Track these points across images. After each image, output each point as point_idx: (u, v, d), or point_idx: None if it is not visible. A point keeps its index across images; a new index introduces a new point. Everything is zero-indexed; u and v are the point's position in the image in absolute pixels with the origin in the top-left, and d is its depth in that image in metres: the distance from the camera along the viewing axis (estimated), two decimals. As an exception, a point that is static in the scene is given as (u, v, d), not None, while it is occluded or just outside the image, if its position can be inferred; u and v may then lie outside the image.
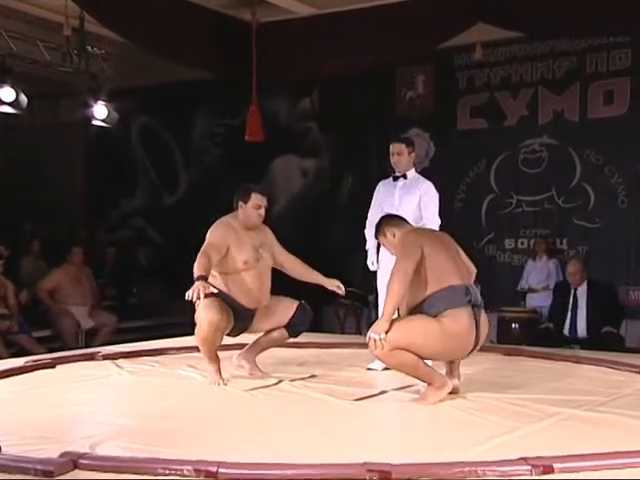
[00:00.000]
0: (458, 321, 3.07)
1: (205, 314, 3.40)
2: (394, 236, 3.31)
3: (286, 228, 8.65)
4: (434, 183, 4.24)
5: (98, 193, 9.35)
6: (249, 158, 8.05)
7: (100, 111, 7.07)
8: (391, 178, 4.27)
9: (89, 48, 6.51)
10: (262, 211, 3.66)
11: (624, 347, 5.52)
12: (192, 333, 4.35)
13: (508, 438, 2.57)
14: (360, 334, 7.29)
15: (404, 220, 3.42)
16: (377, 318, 7.87)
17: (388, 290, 3.10)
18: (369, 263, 4.31)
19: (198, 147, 9.10)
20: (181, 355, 4.47)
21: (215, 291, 3.42)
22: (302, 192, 8.55)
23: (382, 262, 4.24)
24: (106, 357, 4.30)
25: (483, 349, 4.48)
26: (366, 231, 4.31)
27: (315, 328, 6.57)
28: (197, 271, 3.37)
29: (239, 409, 3.11)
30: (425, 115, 7.68)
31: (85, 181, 9.62)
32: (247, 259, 3.57)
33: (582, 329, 5.55)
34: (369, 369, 4.01)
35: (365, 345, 4.93)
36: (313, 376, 3.76)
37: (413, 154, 4.20)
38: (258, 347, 3.85)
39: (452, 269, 3.16)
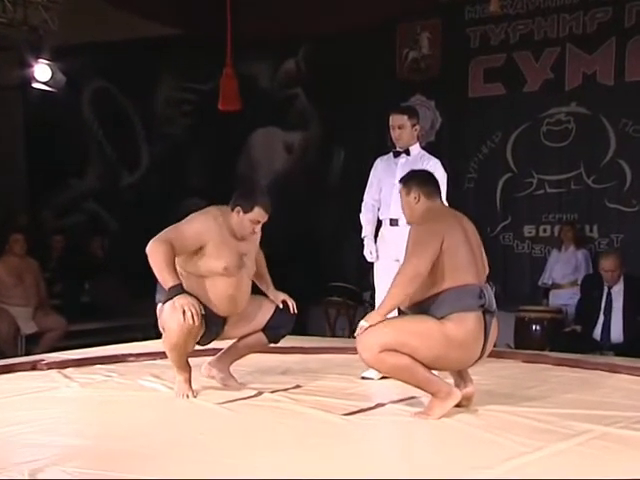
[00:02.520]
0: (464, 327, 3.07)
1: (176, 316, 3.37)
2: (417, 200, 3.30)
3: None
4: (441, 160, 4.23)
5: (42, 170, 9.28)
6: (223, 130, 8.02)
7: (42, 72, 6.97)
8: (391, 154, 4.27)
9: (26, -6, 6.40)
10: (258, 228, 3.65)
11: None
12: (155, 337, 4.36)
13: (527, 460, 2.56)
14: (353, 337, 7.29)
15: (437, 189, 3.40)
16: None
17: (394, 284, 3.09)
18: (366, 253, 4.29)
19: (162, 117, 9.04)
20: (142, 363, 4.45)
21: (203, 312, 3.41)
22: (286, 170, 8.53)
23: (381, 252, 4.23)
24: (51, 366, 4.26)
25: (499, 355, 4.51)
26: (362, 215, 4.31)
27: (300, 330, 6.58)
28: (169, 278, 3.35)
29: (211, 426, 3.09)
30: (430, 80, 7.66)
31: (25, 156, 9.53)
32: (228, 265, 3.55)
33: (617, 333, 5.54)
34: (364, 378, 4.01)
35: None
36: (298, 386, 3.76)
37: (417, 127, 4.20)
38: (232, 354, 3.84)
39: (470, 265, 3.16)
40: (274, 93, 8.40)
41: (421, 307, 3.13)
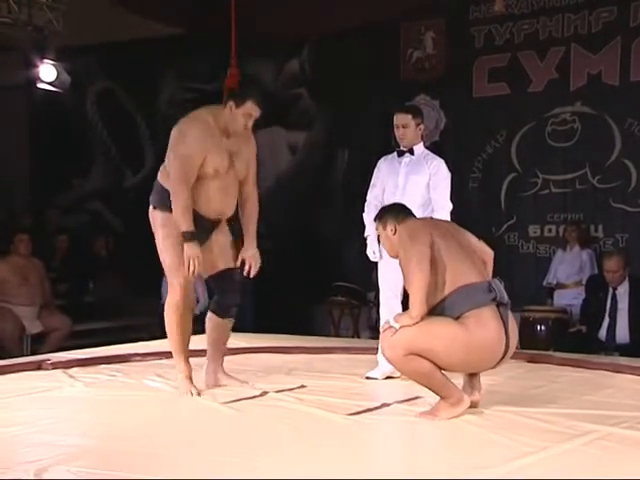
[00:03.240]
0: (484, 324, 3.04)
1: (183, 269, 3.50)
2: (394, 232, 3.29)
3: (272, 212, 8.66)
4: (445, 160, 4.23)
5: (46, 170, 9.30)
6: (227, 130, 8.02)
7: (47, 72, 6.98)
8: (395, 153, 4.27)
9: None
10: (251, 122, 3.66)
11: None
12: (160, 336, 4.36)
13: (532, 460, 2.56)
14: (358, 337, 7.31)
15: (410, 212, 3.41)
16: (378, 319, 7.87)
17: (410, 281, 3.08)
18: (369, 253, 4.28)
19: (166, 117, 9.03)
20: (147, 362, 4.46)
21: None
22: (290, 170, 8.53)
23: (385, 252, 4.22)
24: (56, 366, 4.27)
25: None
26: (365, 215, 4.32)
27: (305, 330, 6.60)
28: (183, 221, 3.48)
29: (216, 426, 3.10)
30: (435, 79, 7.66)
31: (30, 156, 9.55)
32: (217, 167, 3.58)
33: (623, 334, 5.52)
34: (368, 378, 4.01)
35: (364, 350, 4.96)
36: (302, 386, 3.75)
37: (421, 126, 4.20)
38: (216, 354, 3.88)
39: (469, 265, 3.14)
40: (278, 93, 8.40)
41: (433, 313, 3.10)
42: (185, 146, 3.55)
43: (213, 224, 3.74)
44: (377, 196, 4.26)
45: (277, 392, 3.60)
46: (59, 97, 7.51)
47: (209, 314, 3.89)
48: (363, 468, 2.53)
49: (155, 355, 4.56)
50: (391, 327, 3.10)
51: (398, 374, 4.06)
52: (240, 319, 7.92)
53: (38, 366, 4.28)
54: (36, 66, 6.95)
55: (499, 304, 3.09)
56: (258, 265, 3.84)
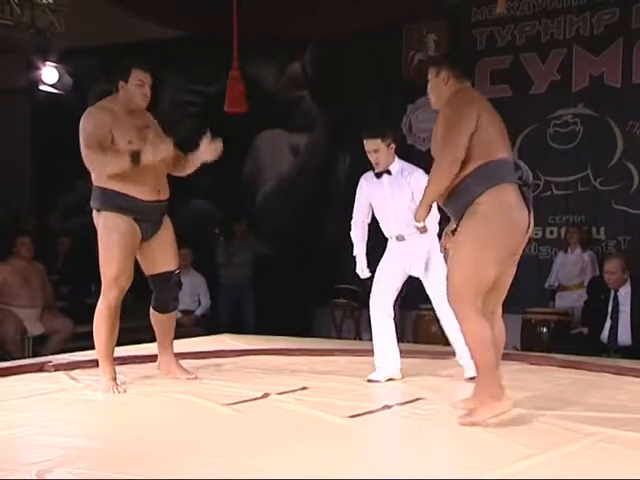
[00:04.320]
0: (503, 194, 3.01)
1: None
2: (446, 82, 3.23)
3: (273, 214, 8.72)
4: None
5: (48, 172, 9.30)
6: (229, 132, 7.97)
7: (49, 74, 7.00)
8: (373, 174, 4.28)
9: (33, -4, 6.40)
10: (147, 89, 3.78)
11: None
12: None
13: (534, 462, 2.56)
14: (360, 339, 7.30)
15: (467, 71, 3.40)
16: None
17: (433, 172, 3.09)
18: (358, 271, 4.33)
19: (169, 119, 9.01)
20: (148, 365, 4.45)
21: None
22: (292, 172, 8.53)
23: (388, 263, 4.23)
24: (58, 368, 4.28)
25: (505, 357, 4.50)
26: (352, 234, 4.37)
27: (307, 332, 6.60)
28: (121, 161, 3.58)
29: (218, 427, 3.10)
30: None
31: (32, 158, 9.56)
32: (131, 138, 3.69)
33: (625, 336, 5.52)
34: (370, 381, 4.02)
35: (366, 352, 4.97)
36: (304, 388, 3.76)
37: (392, 145, 4.20)
38: (166, 346, 4.08)
39: (502, 142, 3.11)
40: (280, 95, 8.41)
41: (456, 191, 3.06)
42: (87, 126, 3.70)
43: (154, 211, 3.82)
44: (363, 214, 4.33)
45: (279, 394, 3.60)
46: (61, 99, 7.52)
47: (151, 310, 4.09)
48: (365, 469, 2.53)
49: (157, 358, 4.56)
50: (416, 227, 3.20)
51: (399, 376, 4.10)
52: (242, 321, 8.02)
53: (40, 368, 4.29)
54: (38, 68, 6.97)
55: (524, 184, 3.06)
56: (219, 148, 3.98)
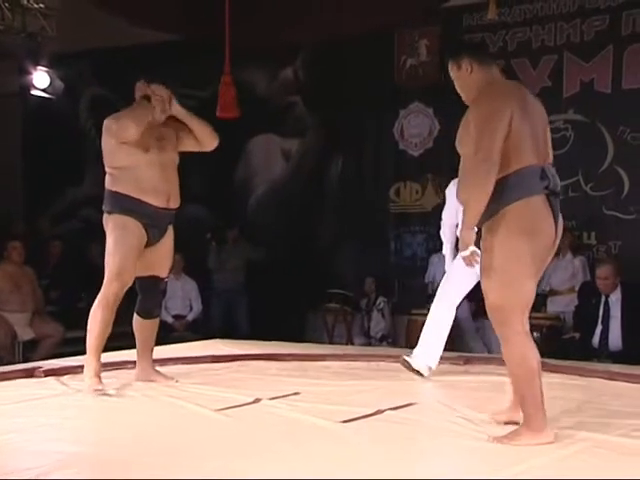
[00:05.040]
0: (529, 206, 2.81)
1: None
2: (470, 71, 2.97)
3: (265, 218, 8.71)
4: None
5: (39, 177, 9.27)
6: (221, 137, 8.00)
7: (40, 79, 6.99)
8: None
9: (24, 1, 6.40)
10: (166, 105, 3.93)
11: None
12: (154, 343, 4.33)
13: (524, 467, 2.56)
14: (352, 344, 7.30)
15: (490, 55, 3.21)
16: (370, 327, 7.88)
17: (468, 191, 2.85)
18: (447, 267, 4.46)
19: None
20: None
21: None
22: (284, 177, 8.53)
23: (458, 265, 4.19)
24: (49, 373, 4.25)
25: (498, 362, 4.50)
26: (441, 233, 4.55)
27: (300, 337, 6.59)
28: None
29: (209, 433, 3.08)
30: (428, 86, 7.68)
31: (23, 162, 9.53)
32: (148, 146, 3.81)
33: (616, 341, 5.53)
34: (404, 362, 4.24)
35: (358, 357, 4.95)
36: (296, 393, 3.74)
37: None
38: (146, 351, 4.09)
39: (529, 142, 2.86)
40: (272, 100, 8.41)
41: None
42: (114, 125, 3.82)
43: (163, 218, 3.88)
44: (451, 216, 4.43)
45: (271, 399, 3.59)
46: (52, 103, 7.51)
47: (135, 316, 4.10)
48: (357, 474, 2.52)
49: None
50: (464, 257, 3.03)
51: (427, 374, 4.22)
52: (235, 326, 8.00)
53: (30, 373, 4.26)
54: (30, 73, 6.95)
55: (552, 193, 2.86)
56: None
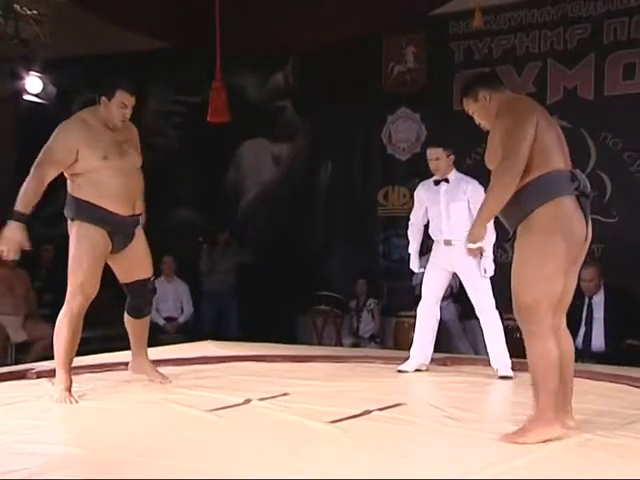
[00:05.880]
0: (560, 207, 2.86)
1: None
2: (489, 100, 3.07)
3: (256, 222, 8.70)
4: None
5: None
6: (212, 142, 8.01)
7: (34, 84, 6.96)
8: (432, 182, 4.61)
9: (17, 7, 6.37)
10: (128, 112, 3.73)
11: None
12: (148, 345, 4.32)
13: (509, 466, 2.56)
14: (341, 345, 7.29)
15: (499, 79, 3.32)
16: (359, 327, 7.91)
17: (490, 192, 2.90)
18: (413, 267, 4.69)
19: (152, 128, 9.00)
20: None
21: (25, 247, 3.53)
22: (274, 181, 8.52)
23: (433, 263, 4.54)
24: (41, 375, 4.22)
25: (484, 363, 4.52)
26: (409, 233, 4.73)
27: (289, 339, 6.58)
28: (18, 203, 3.57)
29: (201, 433, 3.07)
30: (416, 92, 7.69)
31: (16, 166, 9.47)
32: (107, 154, 3.64)
33: (599, 342, 5.54)
34: (400, 371, 4.38)
35: (347, 358, 4.95)
36: (285, 394, 3.74)
37: (452, 156, 4.59)
38: (140, 349, 4.05)
39: (557, 149, 2.96)
40: (262, 105, 8.40)
41: (511, 202, 2.90)
42: (53, 140, 3.68)
43: (129, 225, 3.79)
44: (418, 216, 4.68)
45: (260, 400, 3.58)
46: (45, 108, 7.47)
47: (125, 315, 4.05)
48: (345, 473, 2.51)
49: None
50: (470, 249, 3.11)
51: (425, 367, 4.43)
52: (225, 328, 7.97)
53: (22, 375, 4.23)
54: (23, 78, 6.92)
55: (582, 194, 2.92)
56: None
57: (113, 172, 3.67)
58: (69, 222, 3.81)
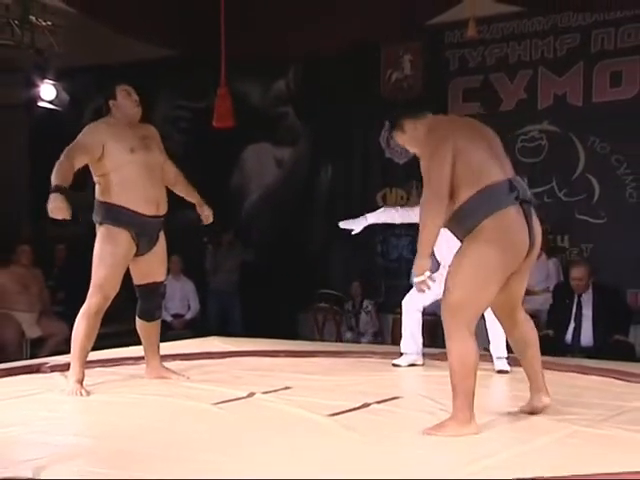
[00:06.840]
0: (503, 218, 2.82)
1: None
2: (416, 128, 3.05)
3: (259, 223, 8.71)
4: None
5: (45, 185, 9.21)
6: (217, 146, 8.02)
7: (47, 91, 6.98)
8: None
9: (33, 19, 6.40)
10: (135, 97, 3.77)
11: (635, 357, 5.56)
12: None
13: (500, 458, 2.57)
14: (341, 341, 7.31)
15: (421, 108, 3.23)
16: (358, 325, 7.93)
17: (422, 223, 2.87)
18: (350, 224, 4.62)
19: (160, 133, 9.01)
20: (141, 365, 4.42)
21: (68, 216, 3.51)
22: (277, 183, 8.53)
23: None
24: (54, 369, 4.24)
25: (480, 358, 4.52)
26: (385, 208, 4.74)
27: (291, 335, 6.59)
28: (54, 178, 3.52)
29: (206, 426, 3.08)
30: (412, 99, 7.70)
31: (31, 170, 9.49)
32: (133, 147, 3.67)
33: (587, 338, 5.56)
34: (394, 365, 4.38)
35: (346, 353, 4.96)
36: (287, 388, 3.75)
37: None
38: (153, 351, 4.02)
39: (491, 161, 2.89)
40: (265, 111, 8.41)
41: (454, 218, 2.89)
42: (80, 136, 3.70)
43: (153, 226, 3.77)
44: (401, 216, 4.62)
45: (264, 393, 3.59)
46: (58, 115, 7.50)
47: (137, 320, 4.02)
48: (345, 466, 2.52)
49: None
50: (419, 283, 2.91)
51: (421, 362, 4.44)
52: (229, 324, 7.98)
53: (37, 369, 4.25)
54: (37, 86, 6.95)
55: (522, 201, 2.87)
56: (211, 217, 4.09)
57: (138, 167, 3.68)
58: (97, 226, 3.81)
